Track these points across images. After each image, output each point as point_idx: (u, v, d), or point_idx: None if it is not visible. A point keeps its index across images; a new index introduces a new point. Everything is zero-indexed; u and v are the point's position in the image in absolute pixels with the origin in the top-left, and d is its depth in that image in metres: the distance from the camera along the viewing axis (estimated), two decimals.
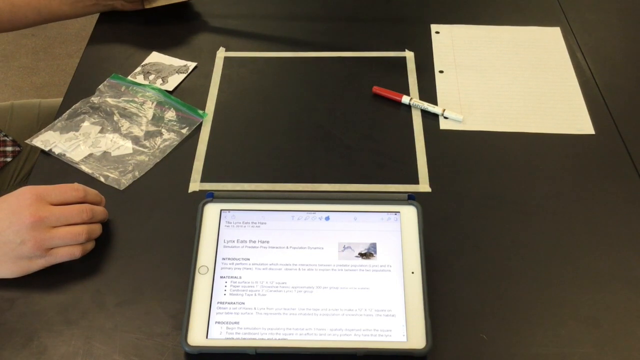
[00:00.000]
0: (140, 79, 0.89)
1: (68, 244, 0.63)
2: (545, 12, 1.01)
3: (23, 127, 0.96)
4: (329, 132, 0.82)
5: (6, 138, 0.90)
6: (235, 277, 0.61)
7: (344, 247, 0.63)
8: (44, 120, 0.98)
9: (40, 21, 0.89)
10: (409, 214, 0.64)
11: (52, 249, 0.62)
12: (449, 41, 0.96)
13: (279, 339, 0.58)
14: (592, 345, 0.60)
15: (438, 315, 0.61)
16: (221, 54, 0.94)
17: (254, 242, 0.63)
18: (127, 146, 0.79)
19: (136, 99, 0.85)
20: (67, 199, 0.63)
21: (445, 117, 0.83)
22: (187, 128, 0.81)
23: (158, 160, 0.77)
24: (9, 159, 0.91)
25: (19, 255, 0.61)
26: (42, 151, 0.78)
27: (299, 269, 0.62)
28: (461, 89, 0.88)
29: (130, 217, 0.71)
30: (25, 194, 0.62)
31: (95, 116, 0.83)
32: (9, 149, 0.91)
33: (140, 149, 0.79)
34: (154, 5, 0.98)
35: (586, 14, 1.01)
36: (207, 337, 0.58)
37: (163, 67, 0.90)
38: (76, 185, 0.65)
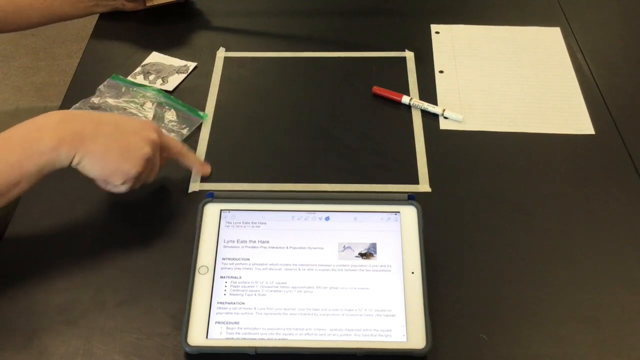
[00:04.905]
0: (140, 79, 0.89)
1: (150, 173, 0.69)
2: (545, 12, 1.01)
3: None
4: (329, 132, 0.82)
5: None
6: (235, 277, 0.61)
7: (344, 247, 0.63)
8: None
9: (43, 22, 0.90)
10: (409, 214, 0.64)
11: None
12: (449, 41, 0.96)
13: (279, 339, 0.58)
14: (592, 345, 0.60)
15: (438, 315, 0.61)
16: (221, 54, 0.94)
17: (254, 242, 0.63)
18: None
19: (136, 100, 0.85)
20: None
21: (445, 117, 0.83)
22: (187, 128, 0.81)
23: None
24: None
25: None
26: None
27: (299, 269, 0.62)
28: (461, 89, 0.88)
29: (130, 217, 0.71)
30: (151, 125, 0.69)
31: None
32: None
33: None
34: (155, 3, 0.98)
35: (586, 14, 1.01)
36: (207, 337, 0.58)
37: (163, 67, 0.90)
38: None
